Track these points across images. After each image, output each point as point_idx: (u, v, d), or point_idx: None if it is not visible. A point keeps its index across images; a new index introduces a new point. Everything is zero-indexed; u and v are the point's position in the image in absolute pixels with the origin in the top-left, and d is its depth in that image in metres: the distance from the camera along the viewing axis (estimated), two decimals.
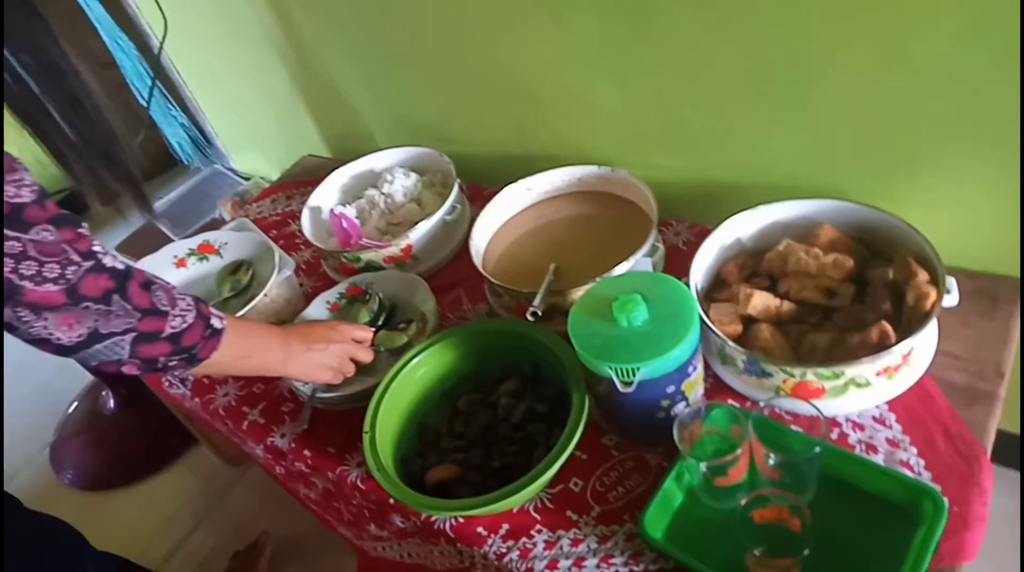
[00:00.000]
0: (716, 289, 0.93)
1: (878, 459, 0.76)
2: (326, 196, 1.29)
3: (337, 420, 0.99)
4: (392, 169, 1.28)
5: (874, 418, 0.79)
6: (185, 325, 0.73)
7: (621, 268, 0.93)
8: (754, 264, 0.94)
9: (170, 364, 0.74)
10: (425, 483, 0.85)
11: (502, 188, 1.13)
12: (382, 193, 1.23)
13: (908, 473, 0.74)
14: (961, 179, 0.88)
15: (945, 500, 0.68)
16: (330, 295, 1.11)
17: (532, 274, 1.03)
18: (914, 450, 0.75)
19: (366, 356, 0.95)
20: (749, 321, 0.85)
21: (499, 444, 0.87)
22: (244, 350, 0.82)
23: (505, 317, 1.03)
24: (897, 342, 0.74)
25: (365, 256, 1.13)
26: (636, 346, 0.75)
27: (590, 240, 1.07)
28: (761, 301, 0.84)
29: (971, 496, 0.71)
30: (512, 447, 0.86)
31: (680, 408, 0.79)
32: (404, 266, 1.15)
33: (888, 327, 0.75)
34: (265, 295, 1.11)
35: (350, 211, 1.23)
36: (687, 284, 0.89)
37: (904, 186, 0.92)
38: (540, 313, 0.85)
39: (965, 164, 0.87)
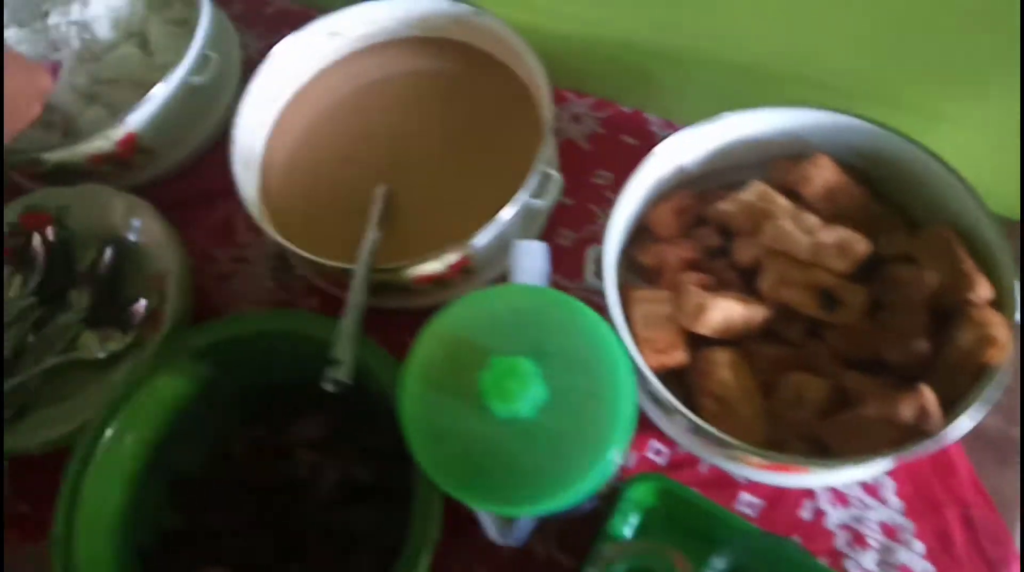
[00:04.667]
0: (636, 243, 0.59)
1: (868, 561, 0.52)
2: None
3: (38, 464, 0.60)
4: None
5: (865, 487, 0.54)
6: None
7: (490, 231, 0.55)
8: (699, 205, 0.59)
9: None
10: None
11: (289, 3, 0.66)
12: (72, 22, 0.70)
13: None
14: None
15: None
16: None
17: (346, 204, 0.62)
18: (920, 547, 0.51)
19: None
20: (697, 338, 0.53)
21: (303, 535, 0.54)
22: None
23: (308, 275, 0.64)
24: (943, 427, 0.45)
25: (52, 155, 0.65)
26: (525, 462, 0.41)
27: (441, 131, 0.65)
28: (722, 316, 0.51)
29: None
30: (324, 547, 0.53)
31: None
32: (128, 166, 0.68)
33: (932, 403, 0.46)
34: None
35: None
36: (597, 263, 0.53)
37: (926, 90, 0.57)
38: (349, 381, 0.47)
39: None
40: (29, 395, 0.58)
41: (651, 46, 0.64)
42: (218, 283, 0.67)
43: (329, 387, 0.45)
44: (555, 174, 0.57)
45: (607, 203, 0.65)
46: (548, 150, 0.57)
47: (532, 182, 0.56)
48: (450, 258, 0.56)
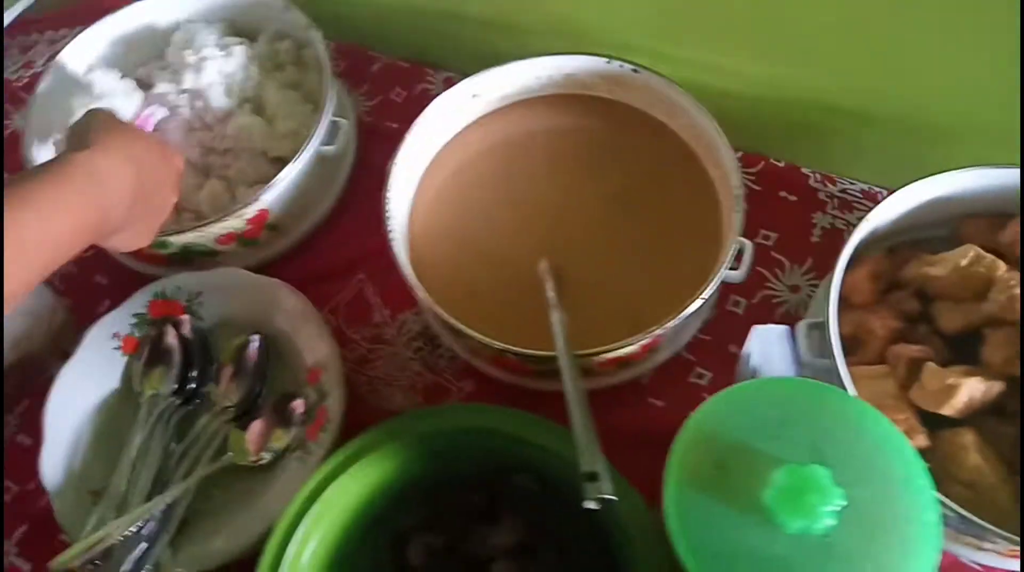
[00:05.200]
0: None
1: None
2: (67, 78, 0.68)
3: None
4: (192, 32, 0.68)
5: None
6: None
7: (691, 307, 0.51)
8: (893, 269, 0.56)
9: None
10: None
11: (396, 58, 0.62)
12: (184, 90, 0.65)
13: None
14: None
15: None
16: (118, 322, 0.59)
17: (500, 276, 0.58)
18: None
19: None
20: (933, 418, 0.49)
21: None
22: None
23: (465, 357, 0.59)
24: None
25: (180, 238, 0.60)
26: None
27: (596, 192, 0.61)
28: (967, 395, 0.47)
29: None
30: None
31: None
32: (254, 244, 0.63)
33: None
34: None
35: (159, 113, 0.64)
36: (813, 338, 0.50)
37: None
38: (614, 496, 0.42)
39: None
40: (184, 508, 0.53)
41: (826, 102, 0.61)
42: (360, 367, 0.62)
43: (592, 505, 0.40)
44: (748, 243, 0.53)
45: (777, 265, 0.62)
46: (740, 217, 0.53)
47: (730, 254, 0.52)
48: (643, 339, 0.52)
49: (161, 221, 0.53)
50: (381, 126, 0.72)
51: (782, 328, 0.45)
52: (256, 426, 0.55)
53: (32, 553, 0.57)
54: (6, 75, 0.85)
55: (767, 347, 0.44)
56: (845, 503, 0.37)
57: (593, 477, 0.40)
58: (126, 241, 0.51)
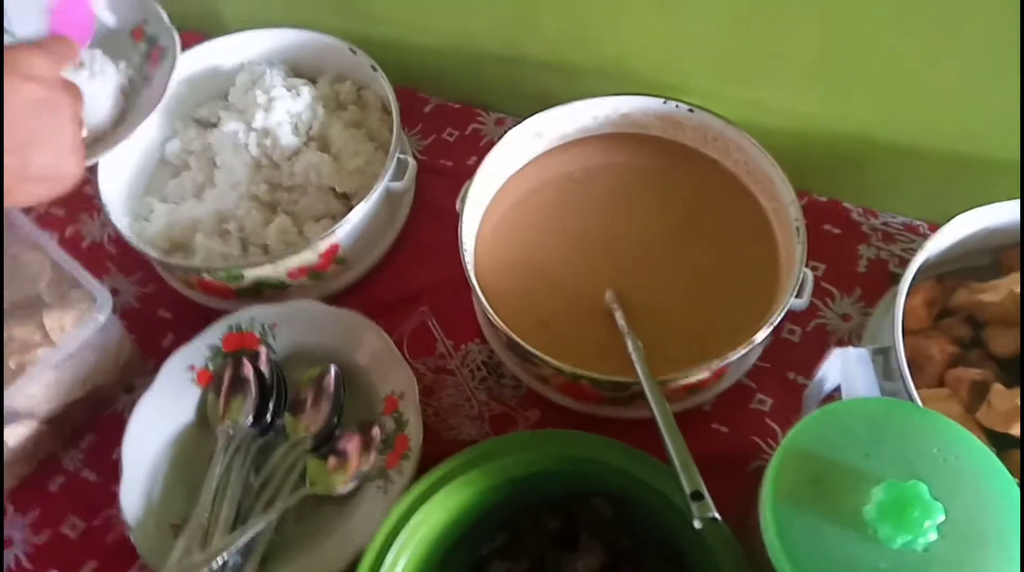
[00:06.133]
0: None
1: None
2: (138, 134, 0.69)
3: None
4: (257, 74, 0.70)
5: None
6: None
7: (762, 332, 0.53)
8: (945, 295, 0.59)
9: None
10: None
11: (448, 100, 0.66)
12: (253, 128, 0.67)
13: None
14: None
15: None
16: (193, 354, 0.60)
17: (568, 307, 0.60)
18: None
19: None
20: (998, 438, 0.51)
21: None
22: None
23: (532, 385, 0.61)
24: None
25: (255, 271, 0.61)
26: None
27: (651, 224, 0.63)
28: None
29: None
30: None
31: None
32: (323, 277, 0.65)
33: None
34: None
35: None
36: (880, 363, 0.52)
37: None
38: (718, 515, 0.44)
39: None
40: (267, 541, 0.53)
41: (869, 138, 0.65)
42: (426, 398, 0.63)
43: (699, 525, 0.41)
44: (809, 272, 0.56)
45: (827, 295, 0.65)
46: (802, 247, 0.56)
47: (796, 283, 0.54)
48: (719, 363, 0.54)
49: (63, 147, 0.45)
50: (435, 164, 0.74)
51: (863, 350, 0.47)
52: (338, 454, 0.55)
53: None
54: None
55: (849, 369, 0.46)
56: (945, 516, 0.39)
57: (698, 496, 0.42)
58: (35, 190, 0.45)
